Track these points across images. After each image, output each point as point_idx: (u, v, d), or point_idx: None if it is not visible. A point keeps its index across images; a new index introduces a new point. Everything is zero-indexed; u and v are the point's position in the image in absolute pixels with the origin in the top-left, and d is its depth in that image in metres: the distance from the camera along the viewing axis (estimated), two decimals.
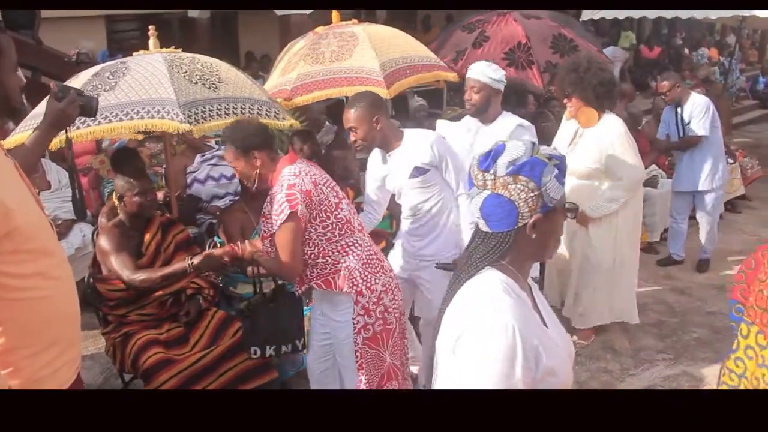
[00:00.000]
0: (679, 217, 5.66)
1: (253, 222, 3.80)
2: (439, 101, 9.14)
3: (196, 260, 3.01)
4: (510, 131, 3.59)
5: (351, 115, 3.07)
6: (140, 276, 3.19)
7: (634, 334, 4.45)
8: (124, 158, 4.23)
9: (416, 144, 3.17)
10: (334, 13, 4.78)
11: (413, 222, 3.30)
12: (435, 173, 3.18)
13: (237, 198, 4.33)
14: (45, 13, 7.91)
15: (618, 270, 4.07)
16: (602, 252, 4.01)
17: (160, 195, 4.73)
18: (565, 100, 4.00)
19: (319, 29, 4.73)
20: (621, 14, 8.18)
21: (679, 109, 5.35)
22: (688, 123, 5.30)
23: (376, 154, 3.32)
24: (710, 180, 5.37)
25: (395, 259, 3.40)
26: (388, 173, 3.26)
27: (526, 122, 3.75)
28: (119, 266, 3.21)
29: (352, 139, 3.17)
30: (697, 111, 5.26)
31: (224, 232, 3.82)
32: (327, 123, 5.88)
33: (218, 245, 3.89)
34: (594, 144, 3.84)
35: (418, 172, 3.15)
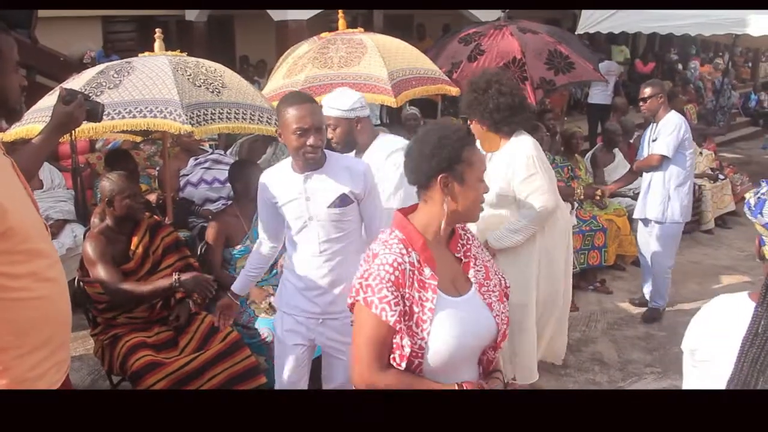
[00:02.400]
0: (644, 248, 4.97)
1: (245, 227, 3.80)
2: (434, 111, 9.18)
3: (184, 277, 3.07)
4: (385, 157, 3.11)
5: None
6: (125, 287, 3.18)
7: (622, 346, 4.47)
8: (118, 160, 4.23)
9: (348, 168, 2.70)
10: (341, 21, 4.81)
11: (318, 268, 2.69)
12: (355, 208, 2.70)
13: (230, 202, 4.34)
14: (41, 13, 7.90)
15: (524, 312, 3.51)
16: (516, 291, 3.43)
17: (152, 197, 4.73)
18: (468, 122, 3.59)
19: (325, 35, 4.76)
20: (616, 29, 8.22)
21: (653, 125, 4.80)
22: (655, 140, 4.71)
23: (278, 170, 2.77)
24: (661, 211, 4.71)
25: (284, 322, 2.80)
26: (296, 197, 2.66)
27: (402, 142, 3.17)
28: (104, 276, 3.19)
29: None
30: (666, 129, 4.65)
31: (212, 233, 3.79)
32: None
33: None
34: (501, 170, 3.42)
35: (342, 202, 2.66)
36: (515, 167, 3.38)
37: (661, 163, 4.68)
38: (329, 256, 2.67)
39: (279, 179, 2.71)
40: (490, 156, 3.50)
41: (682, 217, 4.76)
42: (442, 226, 1.85)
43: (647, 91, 4.74)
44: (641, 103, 4.81)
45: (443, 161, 1.81)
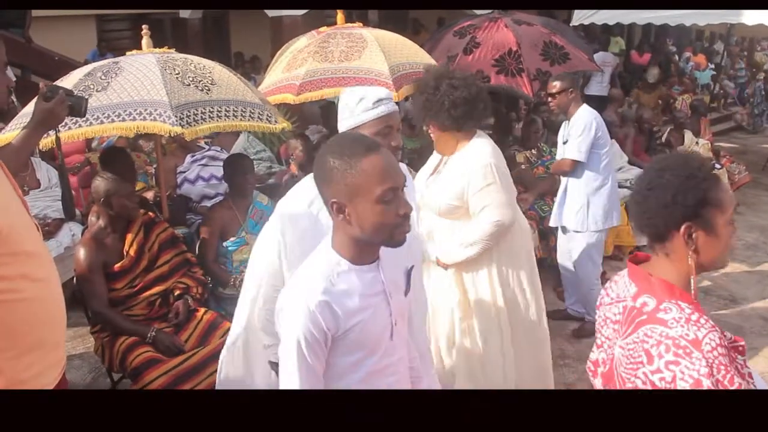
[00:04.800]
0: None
1: (239, 219, 3.86)
2: None
3: (159, 335, 3.19)
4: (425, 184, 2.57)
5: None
6: (103, 312, 3.24)
7: None
8: (114, 158, 4.22)
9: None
10: (339, 15, 4.80)
11: None
12: None
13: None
14: (36, 12, 7.89)
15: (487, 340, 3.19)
16: (480, 316, 3.18)
17: (150, 195, 4.74)
18: (425, 128, 3.25)
19: (324, 29, 4.75)
20: (611, 20, 8.22)
21: (565, 123, 4.38)
22: (566, 142, 4.30)
23: (325, 273, 1.64)
24: (579, 220, 4.28)
25: None
26: (375, 302, 1.68)
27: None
28: (89, 291, 3.23)
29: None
30: (576, 129, 4.20)
31: (206, 228, 3.86)
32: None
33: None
34: (455, 176, 3.06)
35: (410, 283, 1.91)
36: (471, 175, 3.01)
37: (574, 168, 4.26)
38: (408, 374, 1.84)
39: (341, 289, 1.60)
40: (446, 159, 3.19)
41: (603, 224, 4.32)
42: (693, 285, 1.52)
43: (556, 84, 4.28)
44: (550, 99, 4.37)
45: (689, 209, 1.50)
